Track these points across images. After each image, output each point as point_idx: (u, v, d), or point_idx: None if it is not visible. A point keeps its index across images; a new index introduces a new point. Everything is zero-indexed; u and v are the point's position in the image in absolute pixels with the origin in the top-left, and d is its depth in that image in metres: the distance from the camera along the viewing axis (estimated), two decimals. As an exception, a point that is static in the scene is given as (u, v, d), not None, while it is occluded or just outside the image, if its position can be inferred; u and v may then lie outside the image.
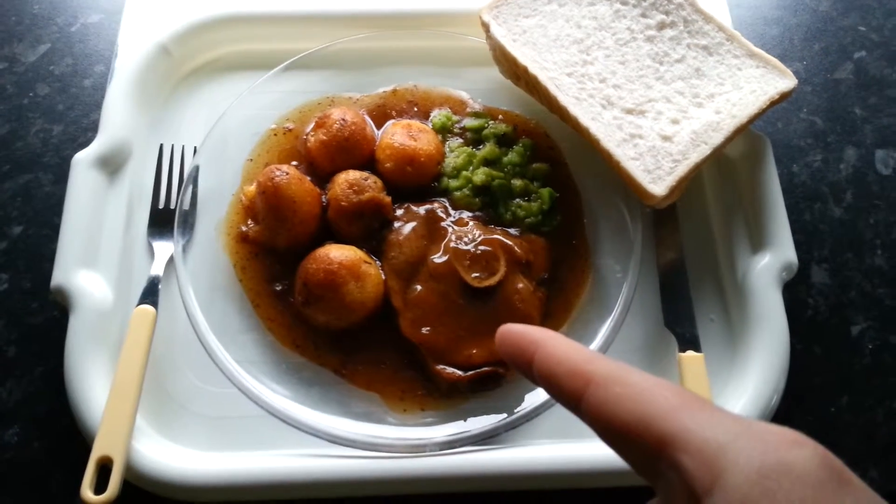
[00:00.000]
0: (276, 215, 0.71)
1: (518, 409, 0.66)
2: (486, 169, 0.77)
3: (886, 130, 0.89)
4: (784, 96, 0.74)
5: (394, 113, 0.83)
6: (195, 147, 0.79)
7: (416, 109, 0.83)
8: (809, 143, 0.88)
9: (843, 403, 0.73)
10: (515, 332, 0.39)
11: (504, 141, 0.80)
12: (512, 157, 0.78)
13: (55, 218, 0.77)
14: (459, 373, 0.67)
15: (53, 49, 0.92)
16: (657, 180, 0.71)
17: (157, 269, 0.73)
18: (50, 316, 0.75)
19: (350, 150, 0.76)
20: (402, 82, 0.85)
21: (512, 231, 0.74)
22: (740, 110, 0.73)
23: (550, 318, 0.72)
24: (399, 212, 0.74)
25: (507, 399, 0.68)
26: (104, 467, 0.61)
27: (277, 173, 0.72)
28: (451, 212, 0.75)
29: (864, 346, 0.76)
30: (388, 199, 0.74)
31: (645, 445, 0.31)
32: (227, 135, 0.79)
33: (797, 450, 0.29)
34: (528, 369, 0.38)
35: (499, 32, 0.78)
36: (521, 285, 0.70)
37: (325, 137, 0.76)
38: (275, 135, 0.81)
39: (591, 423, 0.34)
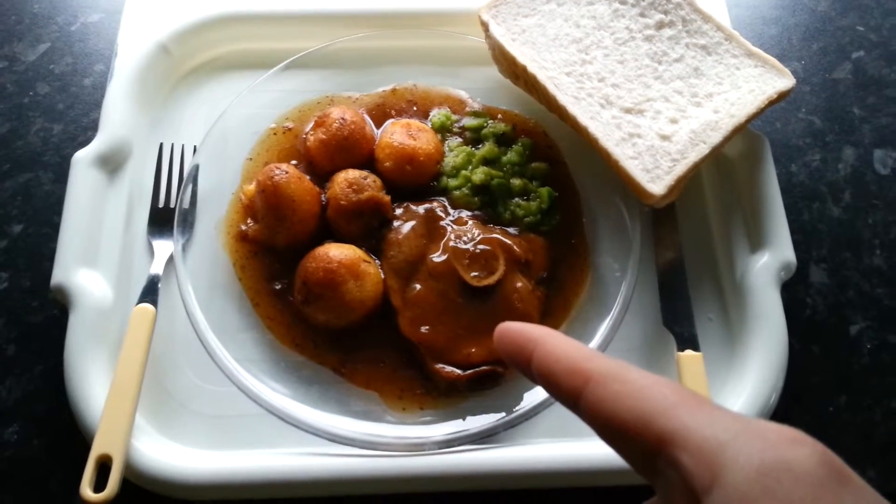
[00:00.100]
0: (276, 214, 0.72)
1: (517, 407, 0.66)
2: (485, 168, 0.77)
3: (885, 130, 0.89)
4: (782, 96, 0.75)
5: (393, 112, 0.83)
6: (195, 146, 0.79)
7: (415, 109, 0.83)
8: (808, 142, 0.88)
9: (841, 403, 0.73)
10: (514, 329, 0.39)
11: (503, 140, 0.80)
12: (511, 156, 0.78)
13: (55, 217, 0.77)
14: (458, 371, 0.67)
15: (53, 48, 0.92)
16: (656, 179, 0.71)
17: (157, 267, 0.73)
18: (50, 314, 0.75)
19: (349, 150, 0.76)
20: (401, 81, 0.85)
21: (511, 230, 0.75)
22: (739, 110, 0.73)
23: (549, 317, 0.72)
24: (398, 211, 0.74)
25: (505, 398, 0.68)
26: (104, 465, 0.61)
27: (277, 172, 0.72)
28: (451, 211, 0.75)
29: (863, 345, 0.76)
30: (388, 198, 0.74)
31: (644, 443, 0.31)
32: (226, 134, 0.79)
33: (797, 448, 0.28)
34: (526, 367, 0.38)
35: (498, 32, 0.79)
36: (519, 284, 0.70)
37: (324, 136, 0.76)
38: (274, 134, 0.81)
39: (589, 421, 0.34)
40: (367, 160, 0.78)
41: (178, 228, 0.73)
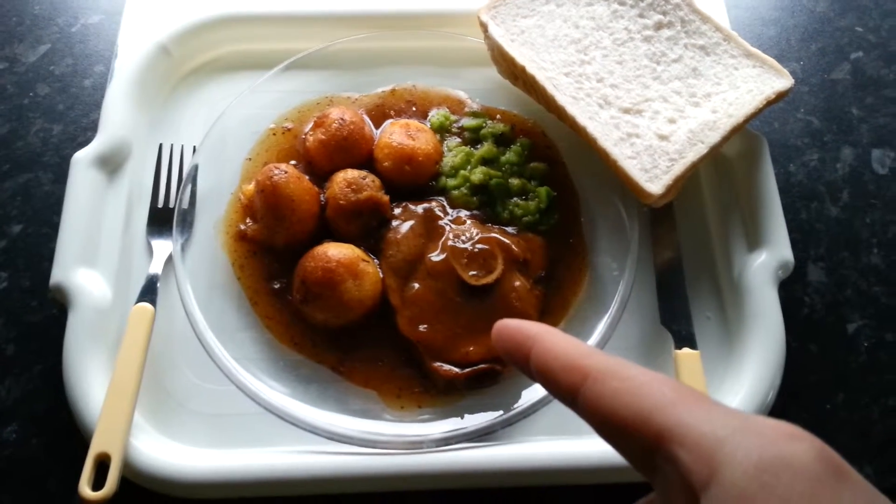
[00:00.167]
0: (275, 214, 0.72)
1: (515, 405, 0.66)
2: (483, 168, 0.77)
3: (883, 130, 0.89)
4: (781, 96, 0.75)
5: (392, 112, 0.83)
6: (194, 146, 0.79)
7: (414, 109, 0.83)
8: (806, 142, 0.88)
9: (838, 401, 0.73)
10: (512, 327, 0.39)
11: (502, 140, 0.80)
12: (509, 156, 0.79)
13: (54, 217, 0.77)
14: (456, 370, 0.67)
15: (54, 49, 0.92)
16: (654, 179, 0.71)
17: (156, 267, 0.73)
18: (49, 314, 0.75)
19: (348, 150, 0.77)
20: (400, 82, 0.85)
21: (509, 230, 0.75)
22: (737, 110, 0.74)
23: (547, 315, 0.72)
24: (397, 210, 0.74)
25: (503, 396, 0.68)
26: (102, 464, 0.61)
27: (276, 172, 0.72)
28: (449, 210, 0.76)
29: (860, 343, 0.76)
30: (387, 197, 0.74)
31: (642, 440, 0.31)
32: (226, 134, 0.80)
33: (795, 444, 0.28)
34: (524, 364, 0.37)
35: (497, 32, 0.79)
36: (518, 283, 0.70)
37: (323, 137, 0.77)
38: (274, 134, 0.81)
39: (587, 418, 0.34)
40: (366, 160, 0.78)
41: (178, 228, 0.73)
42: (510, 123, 0.82)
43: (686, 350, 0.69)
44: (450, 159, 0.78)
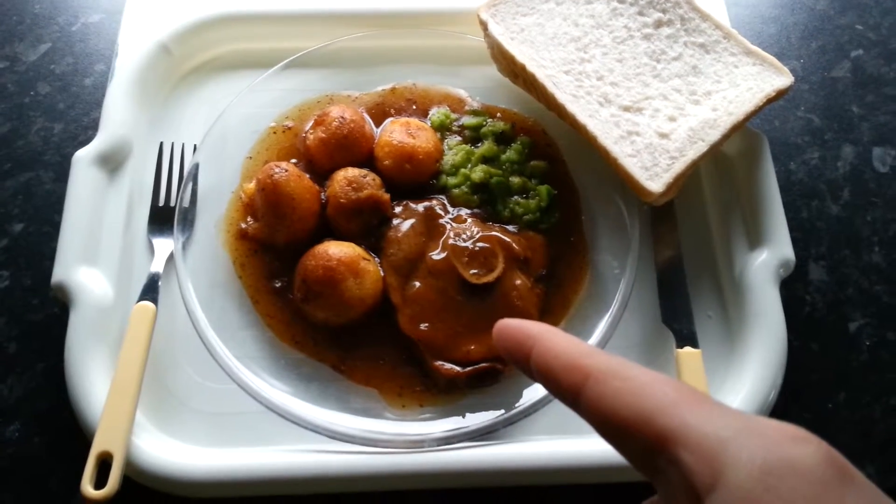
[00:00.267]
0: (276, 212, 0.72)
1: (516, 404, 0.66)
2: (484, 166, 0.77)
3: (883, 128, 0.89)
4: (781, 94, 0.75)
5: (392, 111, 0.83)
6: (195, 145, 0.79)
7: (414, 107, 0.83)
8: (807, 140, 0.88)
9: (840, 400, 0.73)
10: (513, 326, 0.38)
11: (502, 139, 0.80)
12: (510, 154, 0.79)
13: (56, 215, 0.77)
14: (457, 369, 0.67)
15: (54, 48, 0.92)
16: (654, 177, 0.71)
17: (157, 265, 0.73)
18: (50, 312, 0.75)
19: (349, 148, 0.77)
20: (400, 80, 0.85)
21: (510, 228, 0.75)
22: (737, 107, 0.74)
23: (548, 314, 0.72)
24: (398, 209, 0.74)
25: (504, 395, 0.68)
26: (104, 462, 0.61)
27: (277, 171, 0.72)
28: (450, 209, 0.76)
29: (862, 342, 0.76)
30: (387, 196, 0.74)
31: (644, 441, 0.31)
32: (226, 133, 0.80)
33: (800, 446, 0.28)
34: (525, 364, 0.37)
35: (497, 31, 0.79)
36: (519, 282, 0.70)
37: (324, 135, 0.76)
38: (274, 133, 0.81)
39: (589, 419, 0.34)
40: (367, 158, 0.78)
41: (179, 227, 0.73)
42: (510, 122, 0.82)
43: (687, 349, 0.69)
44: (450, 158, 0.78)
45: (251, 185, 0.75)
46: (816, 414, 0.73)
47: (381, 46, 0.86)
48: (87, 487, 0.59)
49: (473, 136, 0.80)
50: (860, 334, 0.77)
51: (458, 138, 0.81)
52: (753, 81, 0.75)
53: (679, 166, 0.71)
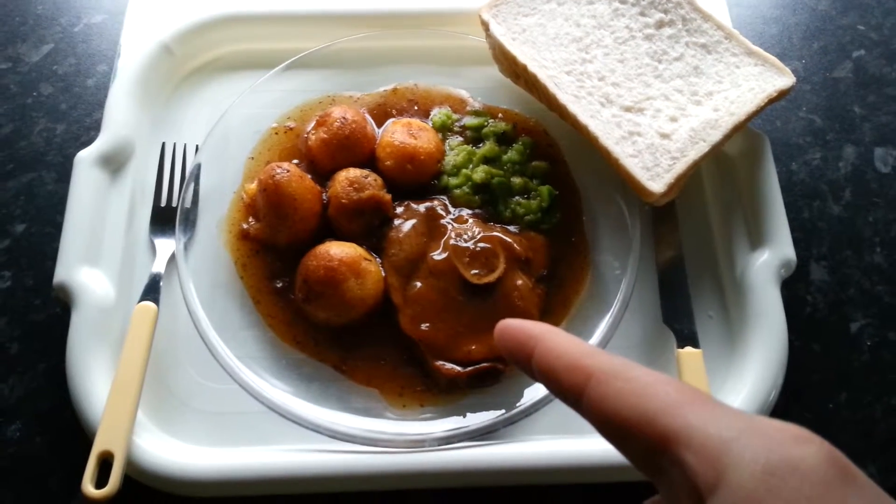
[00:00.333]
0: (277, 213, 0.72)
1: (517, 404, 0.66)
2: (485, 167, 0.77)
3: (885, 128, 0.89)
4: (782, 94, 0.75)
5: (394, 111, 0.83)
6: (197, 145, 0.80)
7: (416, 108, 0.83)
8: (808, 141, 0.88)
9: (841, 400, 0.73)
10: (514, 326, 0.38)
11: (504, 139, 0.80)
12: (511, 155, 0.79)
13: (58, 216, 0.77)
14: (458, 369, 0.67)
15: (57, 49, 0.92)
16: (655, 177, 0.71)
17: (159, 266, 0.73)
18: (52, 313, 0.75)
19: (350, 148, 0.77)
20: (402, 81, 0.85)
21: (511, 228, 0.75)
22: (738, 108, 0.74)
23: (549, 314, 0.72)
24: (399, 209, 0.75)
25: (505, 395, 0.68)
26: (105, 462, 0.61)
27: (278, 171, 0.72)
28: (451, 209, 0.76)
29: (863, 342, 0.76)
30: (389, 196, 0.74)
31: (647, 441, 0.31)
32: (228, 133, 0.80)
33: (803, 446, 0.28)
34: (527, 364, 0.37)
35: (498, 31, 0.79)
36: (520, 282, 0.70)
37: (325, 136, 0.77)
38: (276, 133, 0.81)
39: (591, 419, 0.34)
40: (368, 159, 0.78)
41: (180, 227, 0.73)
42: (512, 122, 0.82)
43: (688, 349, 0.69)
44: (452, 158, 0.78)
45: (253, 186, 0.75)
46: (818, 414, 0.73)
47: (382, 47, 0.86)
48: (88, 487, 0.59)
49: (475, 137, 0.81)
50: (861, 335, 0.76)
51: (460, 139, 0.81)
52: (755, 82, 0.75)
53: (680, 167, 0.71)
